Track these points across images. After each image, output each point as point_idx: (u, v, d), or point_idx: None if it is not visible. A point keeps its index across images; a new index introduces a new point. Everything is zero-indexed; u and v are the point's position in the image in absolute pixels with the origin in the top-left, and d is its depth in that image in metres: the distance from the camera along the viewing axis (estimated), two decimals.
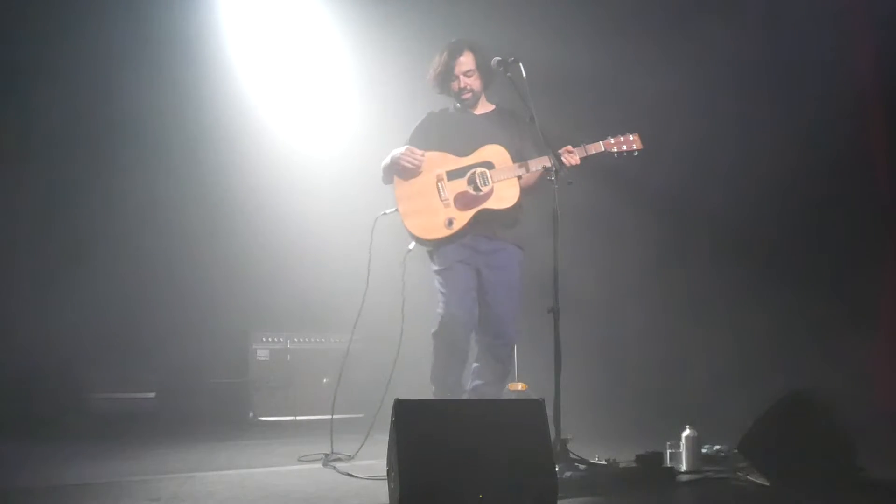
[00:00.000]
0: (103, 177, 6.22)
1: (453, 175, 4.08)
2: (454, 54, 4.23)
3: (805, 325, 5.40)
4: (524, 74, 3.92)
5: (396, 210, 4.12)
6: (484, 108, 4.36)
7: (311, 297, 6.48)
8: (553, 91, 5.02)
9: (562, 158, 3.96)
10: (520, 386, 4.81)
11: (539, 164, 4.04)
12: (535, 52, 4.34)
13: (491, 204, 4.08)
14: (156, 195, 6.39)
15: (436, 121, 4.33)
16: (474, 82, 4.25)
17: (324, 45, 6.62)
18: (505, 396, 4.59)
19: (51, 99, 6.03)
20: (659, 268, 5.84)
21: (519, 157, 4.13)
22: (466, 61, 4.23)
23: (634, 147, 4.11)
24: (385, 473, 3.08)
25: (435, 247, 4.14)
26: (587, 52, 5.69)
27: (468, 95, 4.26)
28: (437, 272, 4.17)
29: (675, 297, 5.71)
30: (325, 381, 6.35)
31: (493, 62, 4.08)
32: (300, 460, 4.29)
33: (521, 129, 4.20)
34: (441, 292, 4.15)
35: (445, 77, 4.25)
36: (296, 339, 6.38)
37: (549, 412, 3.28)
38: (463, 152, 4.13)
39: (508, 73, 4.01)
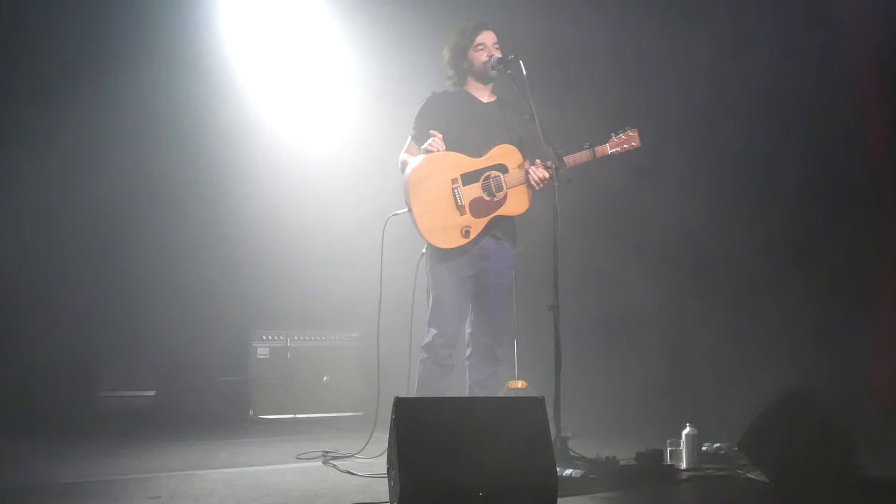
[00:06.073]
0: (104, 177, 6.21)
1: (468, 179, 4.00)
2: (480, 27, 4.17)
3: (805, 324, 5.39)
4: (524, 72, 3.91)
5: (408, 211, 4.00)
6: (490, 97, 4.28)
7: (311, 295, 6.49)
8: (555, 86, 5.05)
9: (563, 158, 3.96)
10: (520, 384, 4.81)
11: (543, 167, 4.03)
12: (535, 52, 4.32)
13: (504, 211, 4.06)
14: (156, 194, 6.39)
15: (441, 102, 4.22)
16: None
17: (330, 42, 6.61)
18: (505, 394, 4.60)
19: (50, 98, 6.03)
20: (659, 266, 5.84)
21: (524, 155, 4.11)
22: (493, 36, 4.18)
23: (633, 144, 4.10)
24: (385, 471, 3.09)
25: (449, 256, 4.08)
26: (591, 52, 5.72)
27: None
28: (435, 287, 4.11)
29: (674, 297, 5.70)
30: (325, 378, 6.37)
31: (491, 59, 4.07)
32: (299, 458, 4.29)
33: (522, 125, 4.17)
34: (436, 311, 4.10)
35: (469, 48, 4.15)
36: (296, 337, 6.38)
37: (549, 410, 3.28)
38: (476, 150, 4.05)
39: (509, 71, 4.01)
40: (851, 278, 5.38)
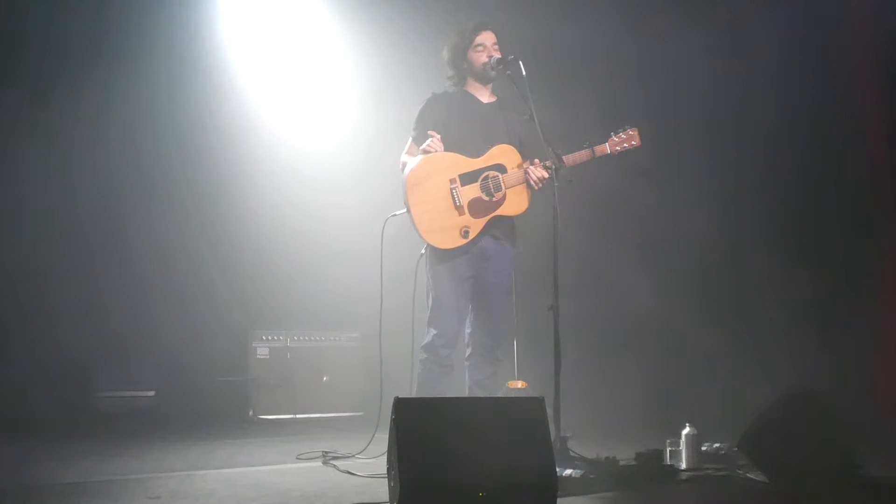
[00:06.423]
0: (104, 176, 6.20)
1: (466, 179, 3.99)
2: (480, 28, 4.16)
3: (805, 324, 5.40)
4: (524, 73, 3.90)
5: (406, 212, 3.99)
6: (490, 97, 4.27)
7: (311, 295, 6.48)
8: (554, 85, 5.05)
9: (562, 158, 3.95)
10: (520, 384, 4.81)
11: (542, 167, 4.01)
12: (534, 53, 4.32)
13: (503, 211, 4.05)
14: (156, 194, 6.39)
15: (441, 103, 4.21)
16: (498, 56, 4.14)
17: (330, 42, 6.61)
18: (505, 394, 4.60)
19: (49, 98, 6.03)
20: (659, 267, 5.84)
21: (524, 155, 4.11)
22: (492, 36, 4.16)
23: (634, 143, 4.08)
24: (385, 471, 3.09)
25: (448, 256, 4.08)
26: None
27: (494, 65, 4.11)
28: (434, 287, 4.11)
29: (674, 296, 5.71)
30: (324, 379, 6.37)
31: (491, 60, 4.07)
32: (299, 458, 4.29)
33: (523, 125, 4.15)
34: (436, 311, 4.10)
35: (468, 49, 4.13)
36: (295, 338, 6.38)
37: (549, 410, 3.28)
38: (475, 151, 4.04)
39: (508, 72, 4.00)
40: (851, 278, 5.39)
